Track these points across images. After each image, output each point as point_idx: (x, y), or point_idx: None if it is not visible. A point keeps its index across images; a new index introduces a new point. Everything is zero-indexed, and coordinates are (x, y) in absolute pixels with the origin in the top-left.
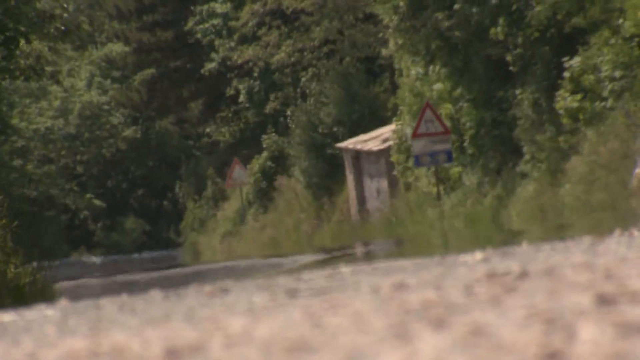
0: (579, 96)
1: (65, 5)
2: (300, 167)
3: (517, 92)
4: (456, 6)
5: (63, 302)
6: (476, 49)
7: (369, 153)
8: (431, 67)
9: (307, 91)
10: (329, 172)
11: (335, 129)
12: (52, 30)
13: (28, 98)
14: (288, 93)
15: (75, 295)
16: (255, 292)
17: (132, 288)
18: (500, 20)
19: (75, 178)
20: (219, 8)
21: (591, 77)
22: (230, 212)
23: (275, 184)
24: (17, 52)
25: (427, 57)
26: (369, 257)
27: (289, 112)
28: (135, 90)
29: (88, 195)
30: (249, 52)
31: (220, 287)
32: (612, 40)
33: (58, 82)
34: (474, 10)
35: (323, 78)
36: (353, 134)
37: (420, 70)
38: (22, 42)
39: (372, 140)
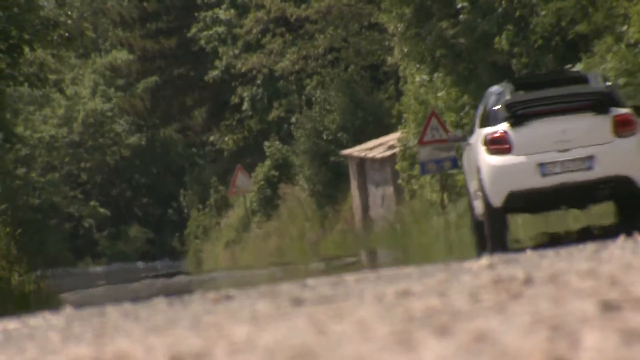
0: None
1: (69, 13)
2: (304, 175)
3: None
4: (462, 17)
5: (67, 310)
6: (481, 56)
7: (374, 160)
8: (436, 75)
9: (312, 99)
10: (333, 180)
11: (339, 135)
12: (55, 37)
13: (32, 106)
14: (292, 101)
15: (80, 302)
16: (259, 300)
17: (136, 296)
18: (505, 30)
19: (79, 186)
20: (223, 15)
21: None
22: (234, 220)
23: (279, 192)
24: (21, 60)
25: (432, 65)
26: (373, 265)
27: (293, 120)
28: (139, 98)
29: (92, 203)
30: (253, 59)
31: (225, 294)
32: (615, 47)
33: (61, 91)
34: (479, 20)
35: (328, 85)
36: (357, 141)
37: (425, 77)
38: (26, 49)
39: (377, 148)
